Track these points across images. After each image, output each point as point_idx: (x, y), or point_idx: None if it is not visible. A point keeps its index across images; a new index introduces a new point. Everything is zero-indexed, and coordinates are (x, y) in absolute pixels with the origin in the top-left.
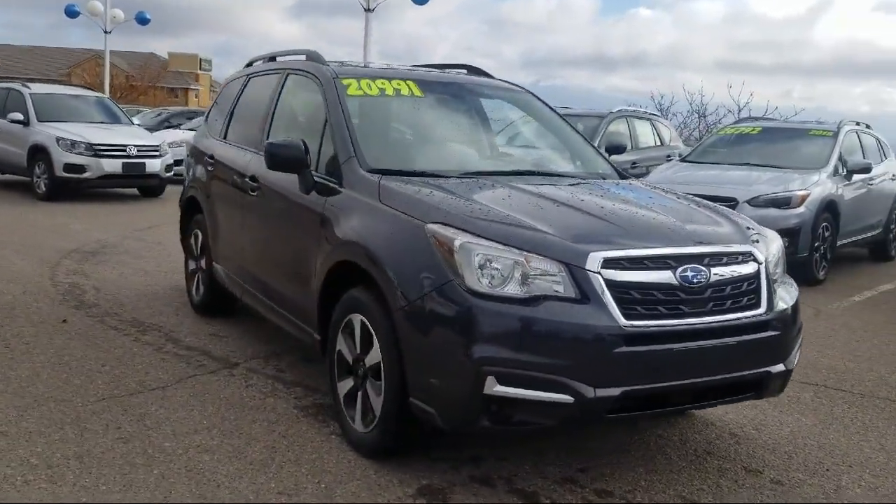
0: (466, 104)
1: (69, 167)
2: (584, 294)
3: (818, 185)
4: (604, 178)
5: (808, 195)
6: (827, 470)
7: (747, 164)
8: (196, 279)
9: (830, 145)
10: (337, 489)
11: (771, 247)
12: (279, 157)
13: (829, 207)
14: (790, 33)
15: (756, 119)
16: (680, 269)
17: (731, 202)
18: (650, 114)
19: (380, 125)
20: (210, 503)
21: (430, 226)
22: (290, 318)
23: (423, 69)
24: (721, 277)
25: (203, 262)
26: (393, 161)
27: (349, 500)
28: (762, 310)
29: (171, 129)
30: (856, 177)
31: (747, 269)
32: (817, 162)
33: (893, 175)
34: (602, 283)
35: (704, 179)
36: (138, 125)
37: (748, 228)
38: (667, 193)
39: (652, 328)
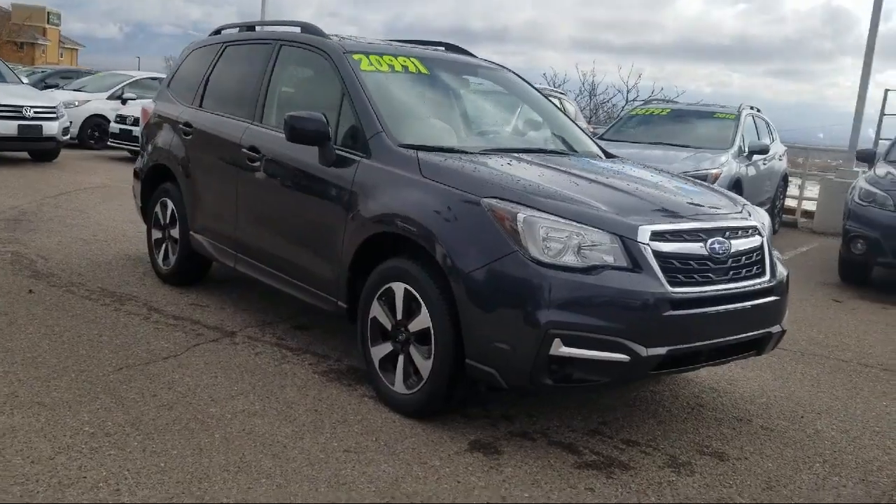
0: (466, 82)
1: None
2: (637, 264)
3: (726, 165)
4: (597, 156)
5: (720, 174)
6: (801, 417)
7: (660, 143)
8: (163, 248)
9: (733, 127)
10: (396, 446)
11: (765, 222)
12: (301, 130)
13: (736, 185)
14: (640, 14)
15: (664, 101)
16: (709, 241)
17: None
18: (558, 92)
19: (397, 101)
20: (286, 463)
21: (487, 200)
22: (305, 287)
23: (410, 45)
24: (738, 249)
25: (173, 232)
26: (417, 136)
27: (411, 455)
28: (767, 278)
29: (50, 90)
30: (755, 156)
31: (755, 241)
32: (723, 142)
33: (780, 155)
34: (651, 253)
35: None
36: (28, 84)
37: (745, 205)
38: (660, 172)
39: (691, 294)
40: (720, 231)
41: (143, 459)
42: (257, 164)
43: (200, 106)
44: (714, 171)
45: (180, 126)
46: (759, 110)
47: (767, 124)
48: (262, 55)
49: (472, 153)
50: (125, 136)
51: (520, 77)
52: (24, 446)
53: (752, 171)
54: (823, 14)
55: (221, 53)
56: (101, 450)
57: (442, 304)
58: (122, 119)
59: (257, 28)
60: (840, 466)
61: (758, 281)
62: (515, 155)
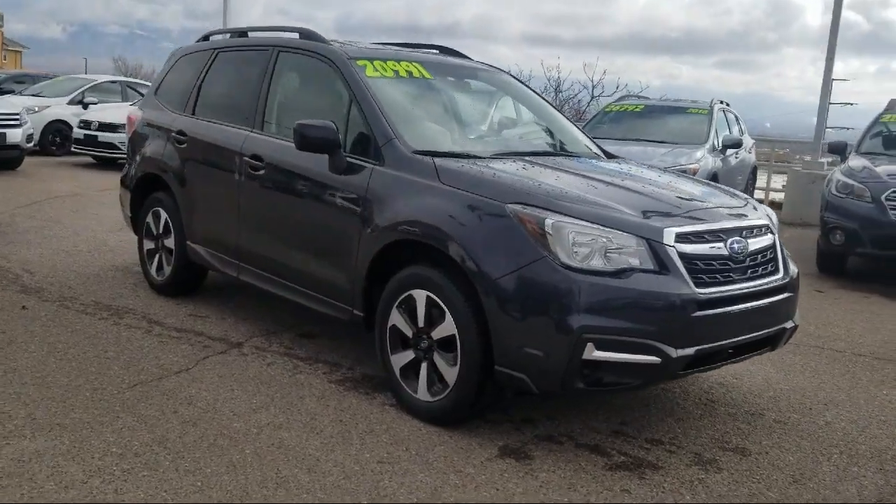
0: (468, 86)
1: None
2: (663, 266)
3: (702, 160)
4: (599, 157)
5: (698, 168)
6: (810, 409)
7: (637, 139)
8: (157, 259)
9: (707, 122)
10: (428, 455)
11: (773, 219)
12: (311, 138)
13: (713, 179)
14: (589, 9)
15: (637, 97)
16: (729, 241)
17: None
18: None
19: (405, 107)
20: (321, 475)
21: (512, 206)
22: (316, 296)
23: (407, 49)
24: (754, 248)
25: (168, 242)
26: (428, 142)
27: (444, 463)
28: (781, 275)
29: (7, 96)
30: (728, 150)
31: (768, 240)
32: (698, 137)
33: (749, 148)
34: (676, 255)
35: None
36: None
37: (747, 200)
38: (666, 172)
39: (715, 294)
40: (738, 231)
41: (178, 479)
42: (260, 172)
43: (193, 114)
44: (692, 167)
45: (173, 134)
46: (728, 104)
47: (736, 118)
48: (258, 62)
49: (483, 158)
50: (90, 141)
51: (516, 79)
52: (54, 471)
53: (726, 164)
54: (767, 6)
55: (213, 60)
56: (133, 471)
57: (467, 311)
58: (86, 124)
59: (249, 34)
60: (856, 457)
61: (773, 278)
62: (528, 158)
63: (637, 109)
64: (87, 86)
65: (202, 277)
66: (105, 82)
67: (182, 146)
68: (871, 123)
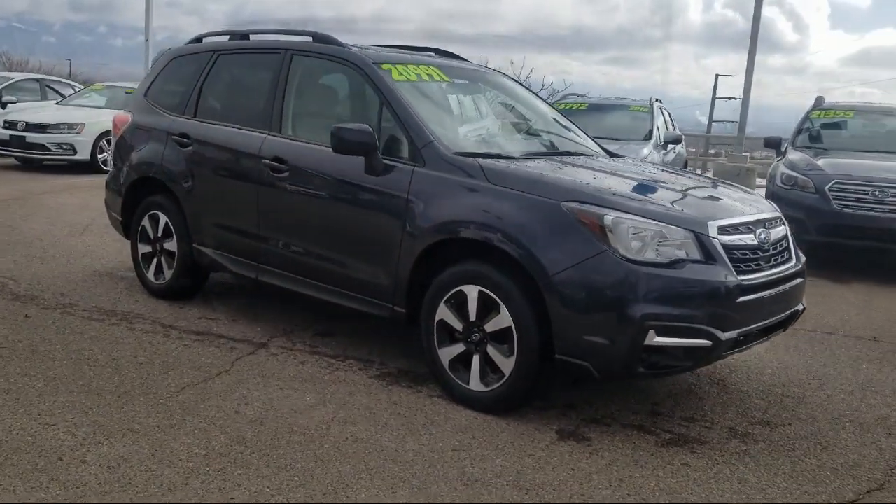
0: (480, 89)
1: None
2: (710, 256)
3: (650, 156)
4: (607, 156)
5: None
6: (808, 384)
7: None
8: (155, 263)
9: (649, 119)
10: (496, 441)
11: (780, 211)
12: (349, 141)
13: None
14: (482, 6)
15: (578, 95)
16: (757, 232)
17: None
18: None
19: (435, 110)
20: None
21: (568, 204)
22: (352, 295)
23: (412, 53)
24: (774, 238)
25: (169, 245)
26: (462, 143)
27: (515, 448)
28: (794, 262)
29: None
30: (669, 146)
31: (783, 230)
32: (642, 133)
33: (682, 143)
34: (720, 246)
35: None
36: None
37: (759, 196)
38: (674, 170)
39: (752, 280)
40: (762, 223)
41: (275, 475)
42: (284, 175)
43: (195, 116)
44: None
45: (174, 137)
46: (661, 101)
47: (669, 114)
48: (270, 65)
49: (517, 158)
50: (18, 143)
51: (515, 80)
52: (151, 474)
53: (667, 159)
54: (651, 3)
55: (214, 62)
56: (227, 470)
57: (524, 304)
58: (11, 125)
59: (251, 37)
60: (866, 424)
61: (789, 265)
62: (556, 158)
63: (581, 108)
64: (3, 84)
65: (204, 280)
66: (22, 80)
67: (186, 149)
68: (802, 119)
